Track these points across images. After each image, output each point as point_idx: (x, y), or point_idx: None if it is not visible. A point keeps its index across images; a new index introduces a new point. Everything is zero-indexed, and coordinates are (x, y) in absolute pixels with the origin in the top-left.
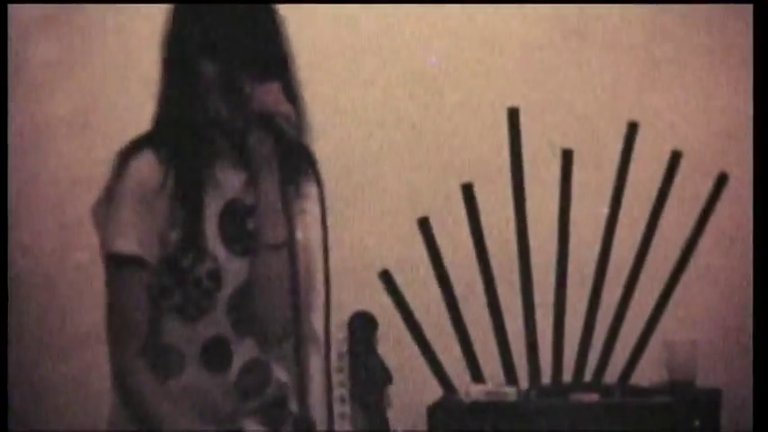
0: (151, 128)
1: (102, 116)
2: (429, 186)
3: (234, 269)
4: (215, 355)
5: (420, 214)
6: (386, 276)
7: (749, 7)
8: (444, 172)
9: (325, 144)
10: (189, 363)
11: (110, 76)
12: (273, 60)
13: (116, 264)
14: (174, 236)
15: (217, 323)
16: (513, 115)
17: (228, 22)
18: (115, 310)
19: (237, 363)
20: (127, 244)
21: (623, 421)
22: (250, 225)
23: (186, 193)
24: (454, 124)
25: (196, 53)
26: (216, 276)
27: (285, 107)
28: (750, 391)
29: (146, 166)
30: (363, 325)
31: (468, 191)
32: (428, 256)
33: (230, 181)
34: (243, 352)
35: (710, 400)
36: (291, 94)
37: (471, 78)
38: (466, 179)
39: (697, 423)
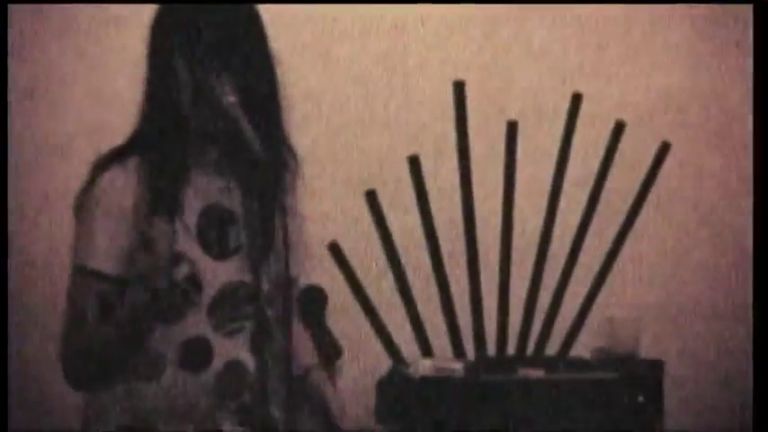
0: (132, 134)
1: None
2: (376, 159)
3: (213, 272)
4: (195, 355)
5: (367, 187)
6: (334, 248)
7: (749, 7)
8: (391, 144)
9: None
10: (169, 364)
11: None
12: (254, 62)
13: (77, 273)
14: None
15: (197, 325)
16: (459, 88)
17: (209, 23)
18: (67, 312)
19: (218, 363)
20: (90, 259)
21: (567, 396)
22: (230, 231)
23: (161, 200)
24: (401, 97)
25: (175, 56)
26: (194, 280)
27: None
28: (692, 363)
29: (119, 180)
30: (314, 298)
31: (414, 163)
32: (376, 228)
33: (209, 186)
34: (223, 353)
35: (653, 371)
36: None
37: (418, 52)
38: (412, 151)
39: (641, 399)
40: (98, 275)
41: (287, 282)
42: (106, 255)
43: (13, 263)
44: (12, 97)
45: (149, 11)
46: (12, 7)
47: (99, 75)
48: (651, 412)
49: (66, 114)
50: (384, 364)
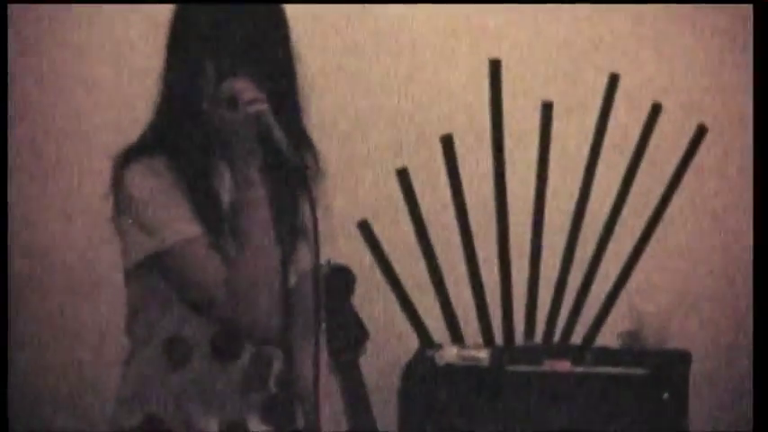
0: (149, 128)
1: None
2: (408, 137)
3: None
4: (225, 346)
5: (399, 165)
6: (364, 226)
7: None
8: (424, 123)
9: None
10: (196, 353)
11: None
12: (276, 63)
13: (172, 254)
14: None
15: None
16: (495, 67)
17: (233, 22)
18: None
19: (245, 354)
20: (166, 234)
21: (593, 390)
22: None
23: (197, 188)
24: (434, 75)
25: (196, 55)
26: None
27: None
28: (721, 356)
29: (145, 168)
30: (341, 279)
31: (447, 142)
32: (406, 206)
33: (232, 181)
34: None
35: (680, 365)
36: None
37: (453, 30)
38: (446, 130)
39: (666, 395)
40: (187, 241)
41: (315, 272)
42: (177, 220)
43: (12, 262)
44: (12, 97)
45: (149, 9)
46: (12, 7)
47: (99, 73)
48: (676, 407)
49: (67, 113)
50: (412, 346)
